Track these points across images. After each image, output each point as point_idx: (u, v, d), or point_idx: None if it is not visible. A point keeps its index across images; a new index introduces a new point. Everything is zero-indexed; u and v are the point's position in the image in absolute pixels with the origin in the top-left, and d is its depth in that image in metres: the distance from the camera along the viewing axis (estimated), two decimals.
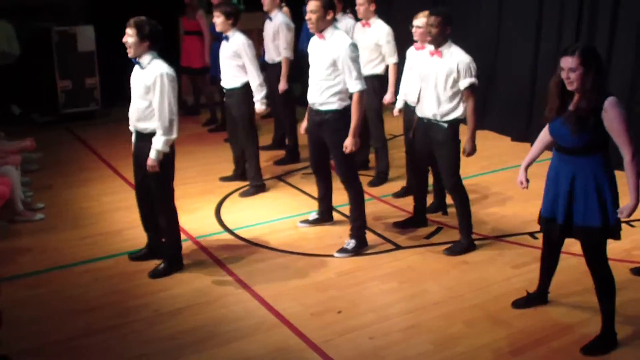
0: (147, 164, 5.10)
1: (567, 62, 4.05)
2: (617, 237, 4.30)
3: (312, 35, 5.65)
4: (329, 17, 5.43)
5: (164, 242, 5.51)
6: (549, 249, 4.75)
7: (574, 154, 4.22)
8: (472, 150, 5.70)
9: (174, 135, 5.13)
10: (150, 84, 5.05)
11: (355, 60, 5.45)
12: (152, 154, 5.08)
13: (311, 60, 5.66)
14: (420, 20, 6.19)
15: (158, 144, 5.08)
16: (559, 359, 4.34)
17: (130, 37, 5.07)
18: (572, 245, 4.79)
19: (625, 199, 4.14)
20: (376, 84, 7.09)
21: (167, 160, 5.19)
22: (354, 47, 5.47)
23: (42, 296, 5.09)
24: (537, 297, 4.94)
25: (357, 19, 7.36)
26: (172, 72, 5.12)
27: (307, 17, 5.50)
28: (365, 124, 7.40)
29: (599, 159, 4.19)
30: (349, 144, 5.47)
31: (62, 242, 5.99)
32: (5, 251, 5.79)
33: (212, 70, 8.50)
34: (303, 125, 5.94)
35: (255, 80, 6.79)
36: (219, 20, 6.70)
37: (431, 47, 5.60)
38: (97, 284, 5.27)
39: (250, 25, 8.02)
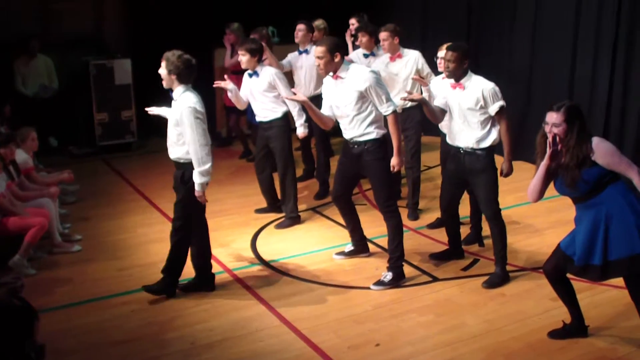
0: (196, 195, 5.29)
1: (552, 118, 4.30)
2: None
3: None
4: (337, 60, 5.48)
5: (197, 267, 5.68)
6: (557, 282, 4.73)
7: (587, 200, 4.34)
8: (509, 171, 5.74)
9: (207, 166, 5.23)
10: (179, 117, 5.20)
11: (381, 85, 5.53)
12: (197, 187, 5.25)
13: (332, 100, 5.68)
14: (444, 52, 6.21)
15: (195, 177, 5.23)
16: None
17: (162, 69, 5.24)
18: None
19: None
20: (418, 115, 7.04)
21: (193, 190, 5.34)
22: (375, 72, 5.56)
23: (80, 328, 5.12)
24: (576, 330, 4.86)
25: (369, 54, 7.46)
26: (198, 106, 5.21)
27: (316, 63, 5.59)
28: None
29: (612, 191, 4.30)
30: (395, 163, 5.57)
31: (100, 273, 6.03)
32: (44, 282, 5.85)
33: (249, 115, 8.44)
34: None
35: (295, 106, 6.85)
36: (244, 58, 6.77)
37: (452, 80, 5.62)
38: (134, 315, 5.29)
39: (282, 58, 8.11)
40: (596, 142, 4.27)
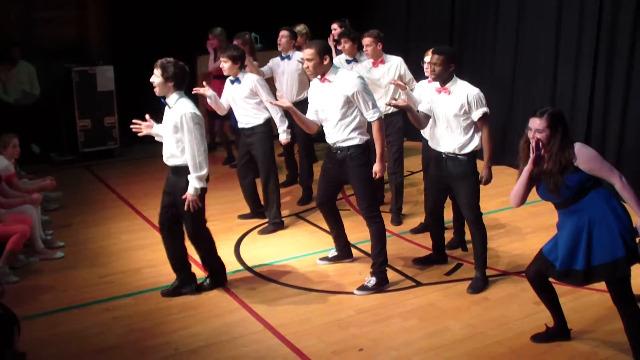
0: (188, 199, 5.28)
1: (535, 124, 4.32)
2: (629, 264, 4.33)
3: None
4: (326, 62, 5.50)
5: (208, 266, 5.77)
6: (539, 287, 4.77)
7: (569, 206, 4.36)
8: (488, 177, 5.74)
9: (204, 172, 5.29)
10: (178, 124, 5.23)
11: (368, 91, 5.54)
12: (191, 191, 5.27)
13: (318, 104, 5.70)
14: (431, 57, 6.24)
15: (192, 181, 5.25)
16: None
17: (156, 77, 5.26)
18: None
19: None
20: (400, 122, 7.11)
21: (200, 194, 5.38)
22: (362, 79, 5.57)
23: (62, 335, 5.08)
24: (559, 333, 4.89)
25: (351, 59, 7.44)
26: (196, 111, 5.27)
27: (304, 65, 5.59)
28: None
29: (595, 196, 4.32)
30: (378, 169, 5.59)
31: (82, 280, 5.99)
32: (25, 289, 5.80)
33: (233, 120, 8.44)
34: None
35: (277, 112, 6.85)
36: (226, 65, 6.76)
37: (437, 84, 5.63)
38: (117, 322, 5.26)
39: (264, 63, 8.12)
40: (578, 147, 4.30)
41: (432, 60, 5.56)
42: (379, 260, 5.75)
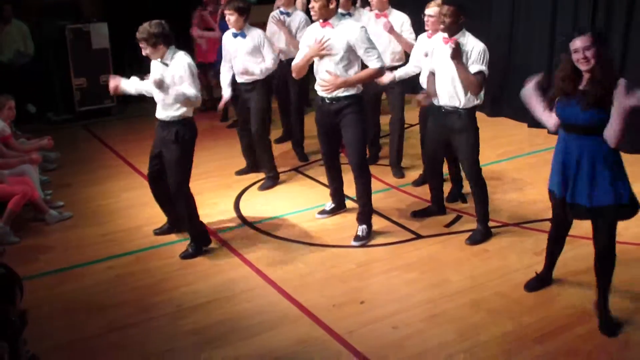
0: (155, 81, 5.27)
1: (581, 42, 4.10)
2: (630, 215, 4.33)
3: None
4: (332, 6, 5.43)
5: (188, 227, 5.70)
6: (557, 230, 4.78)
7: (586, 133, 4.22)
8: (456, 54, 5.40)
9: (191, 98, 5.28)
10: (181, 74, 5.26)
11: (371, 40, 5.50)
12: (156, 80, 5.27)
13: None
14: (432, 10, 6.17)
15: (183, 89, 5.25)
16: (584, 345, 4.33)
17: (146, 49, 5.28)
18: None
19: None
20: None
21: (188, 145, 5.43)
22: (365, 29, 5.50)
23: (65, 294, 5.12)
24: (547, 279, 5.01)
25: (345, 13, 7.27)
26: (193, 61, 5.38)
27: (310, 6, 5.52)
28: (376, 120, 7.44)
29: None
30: (330, 80, 5.50)
31: (83, 239, 6.02)
32: (27, 250, 5.83)
33: (217, 64, 8.41)
34: None
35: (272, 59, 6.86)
36: (232, 17, 6.66)
37: (444, 34, 5.55)
38: (119, 280, 5.29)
39: (258, 19, 8.00)
40: (624, 82, 4.08)
41: (441, 11, 5.45)
42: (367, 209, 5.85)
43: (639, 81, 7.56)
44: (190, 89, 5.24)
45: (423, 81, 6.18)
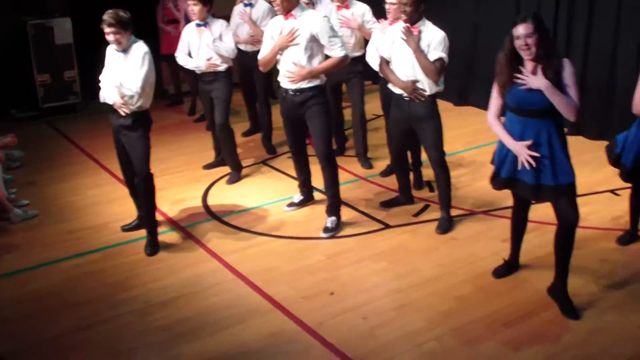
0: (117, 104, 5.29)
1: (524, 29, 4.18)
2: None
3: None
4: None
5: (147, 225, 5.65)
6: (518, 212, 4.84)
7: (540, 116, 4.29)
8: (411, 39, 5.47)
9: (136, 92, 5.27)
10: (139, 61, 5.24)
11: (334, 30, 5.52)
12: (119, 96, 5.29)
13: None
14: None
15: (124, 91, 5.26)
16: (551, 329, 4.38)
17: (115, 34, 5.19)
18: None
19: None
20: (360, 67, 7.05)
21: (146, 128, 5.44)
22: (328, 18, 5.52)
23: (32, 293, 5.05)
24: (515, 265, 5.07)
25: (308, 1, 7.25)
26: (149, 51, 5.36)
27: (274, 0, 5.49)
28: (338, 109, 7.43)
29: (560, 118, 4.30)
30: (296, 71, 5.50)
31: (50, 237, 5.94)
32: None
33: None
34: None
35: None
36: (196, 8, 6.61)
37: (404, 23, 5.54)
38: (87, 278, 5.24)
39: (223, 9, 7.95)
40: (568, 61, 4.22)
41: (402, 1, 5.47)
42: (336, 200, 5.85)
43: (601, 64, 7.79)
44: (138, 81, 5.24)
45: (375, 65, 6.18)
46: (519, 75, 4.24)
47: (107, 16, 5.14)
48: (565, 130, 4.51)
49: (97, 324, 4.60)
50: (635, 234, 5.44)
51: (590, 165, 6.88)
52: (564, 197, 4.37)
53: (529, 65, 4.29)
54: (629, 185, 5.35)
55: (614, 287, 4.84)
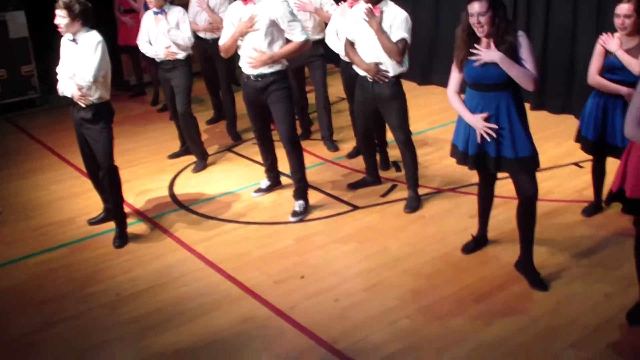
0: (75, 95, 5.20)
1: (479, 7, 4.17)
2: (537, 165, 4.45)
3: None
4: None
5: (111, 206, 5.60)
6: (484, 188, 4.88)
7: (497, 90, 4.31)
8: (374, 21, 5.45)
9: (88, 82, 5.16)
10: (91, 49, 5.12)
11: (294, 14, 5.49)
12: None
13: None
14: None
15: (78, 82, 5.16)
16: (520, 302, 4.43)
17: (62, 18, 5.08)
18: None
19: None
20: (321, 50, 7.02)
21: (107, 120, 5.35)
22: (288, 3, 5.48)
23: None
24: (483, 241, 5.12)
25: None
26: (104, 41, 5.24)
27: None
28: (301, 93, 7.39)
29: (518, 91, 4.33)
30: (257, 57, 5.47)
31: (13, 235, 5.83)
32: None
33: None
34: None
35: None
36: None
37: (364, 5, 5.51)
38: (54, 274, 5.16)
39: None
40: (523, 34, 4.24)
41: None
42: (302, 184, 5.85)
43: (561, 40, 7.86)
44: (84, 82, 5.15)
45: (339, 50, 6.15)
46: (473, 51, 4.26)
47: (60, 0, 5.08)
48: (528, 105, 4.55)
49: (66, 320, 4.54)
50: (599, 205, 5.51)
51: (555, 139, 6.95)
52: (523, 171, 4.41)
53: (484, 41, 4.30)
54: (591, 157, 5.42)
55: (579, 257, 4.91)
